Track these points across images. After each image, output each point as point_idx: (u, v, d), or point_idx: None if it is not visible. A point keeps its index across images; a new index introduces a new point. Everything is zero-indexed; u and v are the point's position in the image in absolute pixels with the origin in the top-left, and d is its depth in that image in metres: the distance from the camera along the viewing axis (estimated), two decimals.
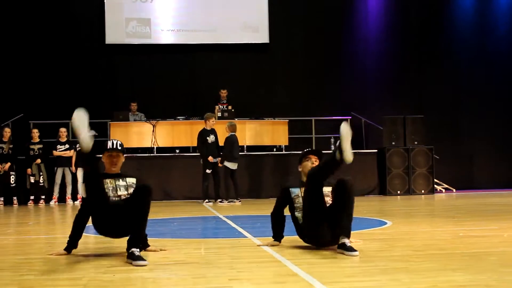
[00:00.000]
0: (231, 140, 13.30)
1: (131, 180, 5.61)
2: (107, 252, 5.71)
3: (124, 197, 5.47)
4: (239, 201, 13.39)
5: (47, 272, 4.78)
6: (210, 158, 13.25)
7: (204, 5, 18.06)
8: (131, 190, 5.50)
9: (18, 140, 15.03)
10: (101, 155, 5.56)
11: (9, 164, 14.27)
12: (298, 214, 5.79)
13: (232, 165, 13.29)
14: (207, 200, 13.37)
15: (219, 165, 13.31)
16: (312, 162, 5.91)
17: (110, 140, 5.65)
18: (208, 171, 13.32)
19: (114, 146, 5.59)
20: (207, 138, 13.37)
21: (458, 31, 18.69)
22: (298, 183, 5.97)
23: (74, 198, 14.48)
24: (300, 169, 6.05)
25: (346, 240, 5.30)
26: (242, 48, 18.09)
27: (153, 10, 18.00)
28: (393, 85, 18.05)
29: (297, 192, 5.89)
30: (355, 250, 5.18)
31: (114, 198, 5.45)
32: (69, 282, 4.31)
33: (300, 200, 5.83)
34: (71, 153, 14.55)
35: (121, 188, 5.54)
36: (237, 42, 18.04)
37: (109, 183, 5.51)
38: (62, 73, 17.26)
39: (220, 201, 13.26)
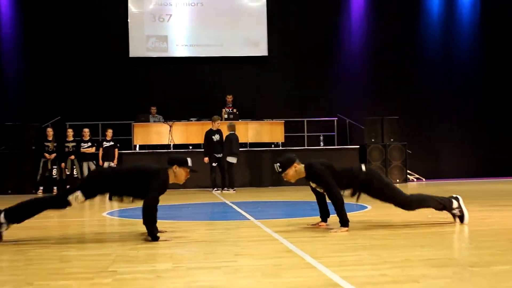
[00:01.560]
0: (230, 138, 13.27)
1: None
2: (131, 233, 5.74)
3: None
4: (234, 191, 13.27)
5: (82, 249, 4.83)
6: (206, 159, 13.24)
7: (212, 24, 18.05)
8: None
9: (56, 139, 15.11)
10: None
11: (54, 154, 14.40)
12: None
13: (232, 159, 13.24)
14: (215, 189, 13.40)
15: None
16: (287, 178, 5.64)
17: (189, 158, 5.40)
18: (214, 164, 13.37)
19: (192, 168, 5.39)
20: (212, 137, 13.41)
21: (428, 44, 18.69)
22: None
23: None
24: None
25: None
26: (244, 60, 18.09)
27: (170, 28, 18.01)
28: (373, 91, 18.04)
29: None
30: None
31: None
32: (101, 257, 4.35)
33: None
34: (93, 149, 14.61)
35: None
36: (240, 55, 18.05)
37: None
38: (93, 81, 17.31)
39: (226, 190, 13.27)
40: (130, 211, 8.19)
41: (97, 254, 4.54)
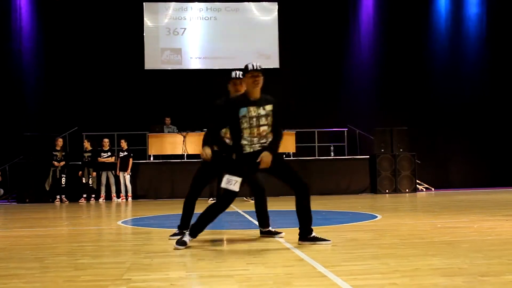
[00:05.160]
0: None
1: (269, 108, 5.10)
2: (145, 242, 5.73)
3: (264, 137, 5.14)
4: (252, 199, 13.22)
5: (97, 257, 4.81)
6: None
7: (225, 37, 18.15)
8: (269, 120, 5.09)
9: (73, 149, 15.19)
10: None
11: (63, 163, 14.36)
12: (244, 142, 5.14)
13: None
14: (211, 198, 13.23)
15: None
16: (256, 80, 5.01)
17: (250, 63, 5.09)
18: None
19: (256, 67, 5.03)
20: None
21: (436, 56, 18.67)
22: (245, 101, 5.06)
23: (118, 196, 14.55)
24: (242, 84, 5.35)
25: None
26: None
27: (184, 41, 18.11)
28: (382, 102, 18.01)
29: (244, 112, 5.05)
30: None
31: (255, 135, 5.08)
32: (115, 265, 4.34)
33: (248, 121, 5.03)
34: (113, 159, 14.65)
35: (262, 118, 5.07)
36: None
37: (252, 112, 5.01)
38: (109, 93, 17.42)
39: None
40: (144, 219, 8.18)
41: (111, 262, 4.52)
